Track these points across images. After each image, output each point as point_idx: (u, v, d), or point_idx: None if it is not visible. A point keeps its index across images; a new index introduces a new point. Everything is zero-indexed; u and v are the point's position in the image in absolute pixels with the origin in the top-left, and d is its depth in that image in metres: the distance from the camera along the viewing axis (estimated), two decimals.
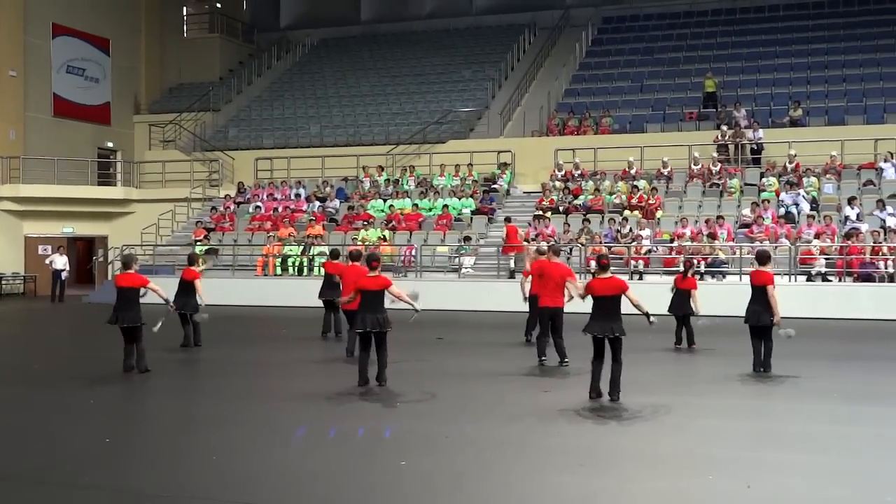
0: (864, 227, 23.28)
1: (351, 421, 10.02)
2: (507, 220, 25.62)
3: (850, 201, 24.41)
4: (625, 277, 21.18)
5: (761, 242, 23.50)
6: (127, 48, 37.75)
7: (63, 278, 29.26)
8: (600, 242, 24.63)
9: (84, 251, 35.43)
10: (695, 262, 18.30)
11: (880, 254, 22.33)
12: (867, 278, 22.13)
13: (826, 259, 22.65)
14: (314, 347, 16.70)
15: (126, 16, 37.67)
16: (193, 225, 30.13)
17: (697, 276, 16.62)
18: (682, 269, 16.64)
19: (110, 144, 36.85)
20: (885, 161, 26.30)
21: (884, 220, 23.54)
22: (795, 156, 26.93)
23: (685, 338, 15.67)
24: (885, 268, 22.12)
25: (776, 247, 22.63)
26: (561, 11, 39.75)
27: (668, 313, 15.59)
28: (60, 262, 29.43)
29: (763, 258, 13.05)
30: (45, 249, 31.27)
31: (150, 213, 31.62)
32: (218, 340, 17.06)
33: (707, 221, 24.31)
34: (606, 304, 10.64)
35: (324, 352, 16.24)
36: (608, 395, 10.66)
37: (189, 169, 33.59)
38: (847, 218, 24.01)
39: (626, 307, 10.71)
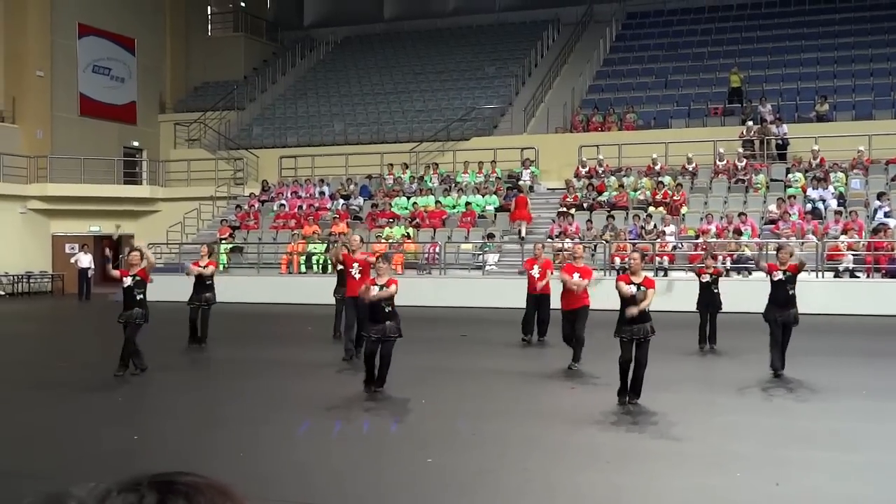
0: (892, 222, 23.05)
1: (376, 418, 10.04)
2: (519, 190, 26.73)
3: (879, 196, 24.17)
4: (649, 274, 21.13)
5: (787, 239, 23.35)
6: (152, 48, 37.98)
7: (89, 276, 29.51)
8: (624, 239, 24.54)
9: (112, 249, 35.67)
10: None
11: None
12: (895, 274, 21.91)
13: (853, 255, 22.46)
14: (338, 345, 16.69)
15: (151, 15, 37.89)
16: (218, 223, 30.27)
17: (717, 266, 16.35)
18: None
19: (136, 143, 37.10)
20: None
21: None
22: (819, 150, 26.71)
23: (708, 337, 15.31)
24: None
25: (803, 243, 22.45)
26: (585, 7, 39.59)
27: (695, 310, 15.48)
28: (86, 260, 29.67)
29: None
30: (72, 248, 31.55)
31: (176, 211, 31.82)
32: (243, 338, 17.15)
33: (735, 217, 24.16)
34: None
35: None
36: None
37: (214, 167, 33.78)
38: (875, 213, 23.79)
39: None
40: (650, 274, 11.30)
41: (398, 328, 11.09)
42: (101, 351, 15.89)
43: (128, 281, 12.64)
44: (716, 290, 15.36)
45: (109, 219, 33.33)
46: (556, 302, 14.41)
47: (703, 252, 16.14)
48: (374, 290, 11.09)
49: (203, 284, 15.87)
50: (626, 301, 10.46)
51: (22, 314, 25.25)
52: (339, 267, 15.38)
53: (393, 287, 11.18)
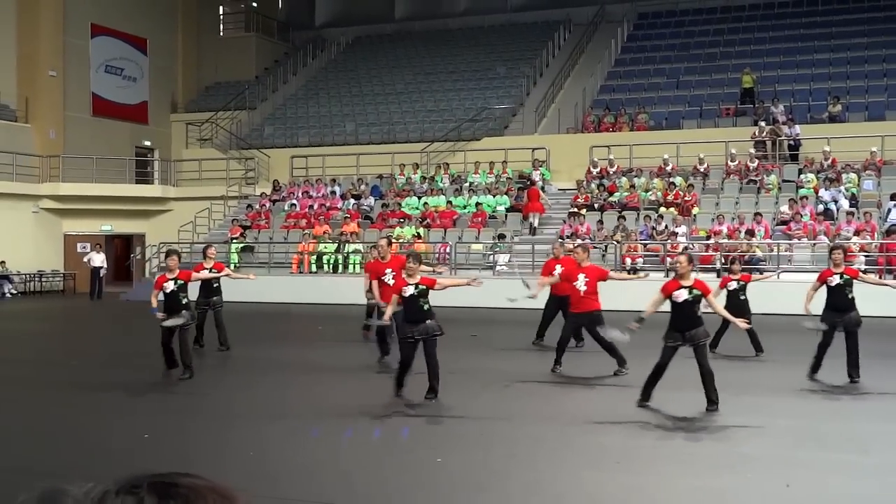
0: None
1: (386, 420, 10.04)
2: (531, 182, 27.81)
3: (892, 198, 24.05)
4: (660, 275, 21.10)
5: (799, 240, 23.28)
6: (164, 47, 38.10)
7: (101, 275, 29.62)
8: (636, 240, 24.50)
9: (122, 249, 35.84)
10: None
11: None
12: None
13: (866, 256, 22.36)
14: (350, 347, 16.71)
15: (163, 15, 38.02)
16: (230, 223, 30.35)
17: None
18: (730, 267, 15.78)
19: (148, 143, 37.22)
20: None
21: None
22: (830, 151, 26.61)
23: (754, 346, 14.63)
24: None
25: (814, 244, 22.36)
26: (596, 7, 39.53)
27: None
28: (98, 259, 29.79)
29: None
30: (84, 247, 31.67)
31: (188, 210, 31.91)
32: (254, 338, 17.17)
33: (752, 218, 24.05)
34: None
35: (358, 350, 16.23)
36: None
37: (225, 167, 33.85)
38: (888, 214, 23.68)
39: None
40: (696, 275, 10.70)
41: (439, 325, 10.70)
42: (112, 349, 15.96)
43: (170, 286, 12.49)
44: (743, 297, 14.70)
45: (121, 218, 33.47)
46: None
47: (727, 258, 15.46)
48: (410, 290, 10.66)
49: (210, 287, 15.40)
50: (678, 307, 10.05)
51: (34, 313, 25.36)
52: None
53: (442, 278, 11.07)
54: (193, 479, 1.19)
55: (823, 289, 12.18)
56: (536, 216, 26.98)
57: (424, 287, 10.67)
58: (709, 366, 10.04)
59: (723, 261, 23.16)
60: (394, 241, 26.11)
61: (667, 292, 10.17)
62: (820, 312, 12.14)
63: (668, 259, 23.57)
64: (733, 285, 14.81)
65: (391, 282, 13.11)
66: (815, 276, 12.98)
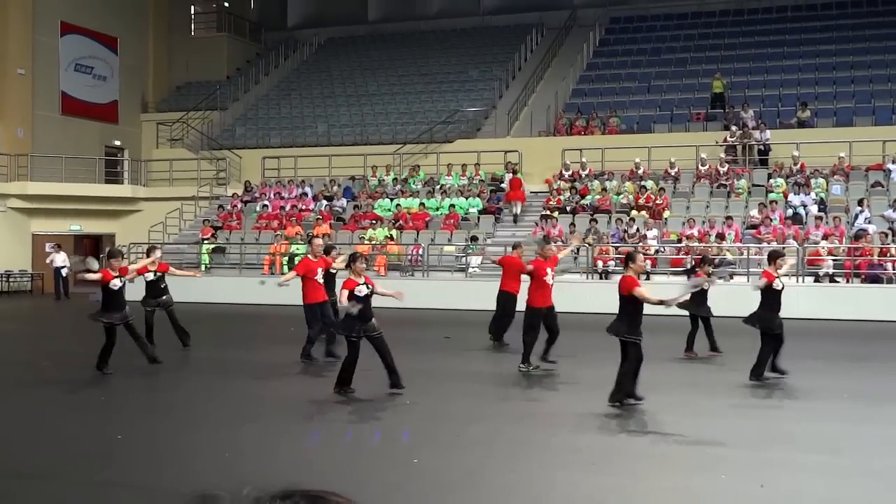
0: (871, 228, 23.24)
1: (362, 421, 10.03)
2: (514, 172, 28.68)
3: (859, 203, 24.36)
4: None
5: (769, 243, 23.49)
6: (135, 47, 37.81)
7: (64, 275, 29.27)
8: (607, 242, 24.64)
9: (91, 249, 35.50)
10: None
11: (888, 255, 22.30)
12: (875, 280, 22.10)
13: (834, 260, 22.63)
14: (322, 347, 16.63)
15: (134, 14, 37.71)
16: (201, 223, 30.17)
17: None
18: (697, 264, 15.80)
19: (118, 143, 36.89)
20: (893, 162, 26.25)
21: (893, 221, 23.49)
22: (800, 156, 26.91)
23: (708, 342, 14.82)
24: (893, 269, 22.09)
25: (784, 248, 22.57)
26: (568, 12, 39.72)
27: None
28: (59, 259, 29.45)
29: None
30: (53, 247, 31.35)
31: (158, 211, 31.68)
32: (226, 339, 17.08)
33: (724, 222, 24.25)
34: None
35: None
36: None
37: (196, 167, 33.63)
38: (855, 219, 23.97)
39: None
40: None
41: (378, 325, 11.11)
42: (79, 350, 15.80)
43: (150, 276, 13.79)
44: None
45: (91, 218, 33.16)
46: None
47: (697, 258, 15.60)
48: (364, 290, 10.96)
49: (157, 288, 15.48)
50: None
51: None
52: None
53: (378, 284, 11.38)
54: (340, 498, 1.29)
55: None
56: (518, 205, 27.66)
57: (371, 287, 11.14)
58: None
59: (693, 264, 23.32)
60: (366, 242, 26.14)
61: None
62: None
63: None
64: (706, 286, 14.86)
65: (321, 280, 14.00)
66: (784, 279, 13.12)
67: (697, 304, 14.57)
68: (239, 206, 30.93)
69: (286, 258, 26.89)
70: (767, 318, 12.15)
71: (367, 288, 11.04)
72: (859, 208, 24.15)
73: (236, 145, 35.08)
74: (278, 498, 1.20)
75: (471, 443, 8.77)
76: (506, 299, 16.13)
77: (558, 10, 39.80)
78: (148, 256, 15.79)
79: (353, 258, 11.34)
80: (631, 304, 10.19)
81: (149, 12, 38.74)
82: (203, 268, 27.69)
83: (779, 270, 12.33)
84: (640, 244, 24.10)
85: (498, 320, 16.37)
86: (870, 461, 8.09)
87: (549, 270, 13.08)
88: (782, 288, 12.22)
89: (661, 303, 10.24)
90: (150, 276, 15.39)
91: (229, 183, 33.68)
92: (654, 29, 37.74)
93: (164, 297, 15.58)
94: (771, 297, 12.17)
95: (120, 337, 12.88)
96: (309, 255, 14.78)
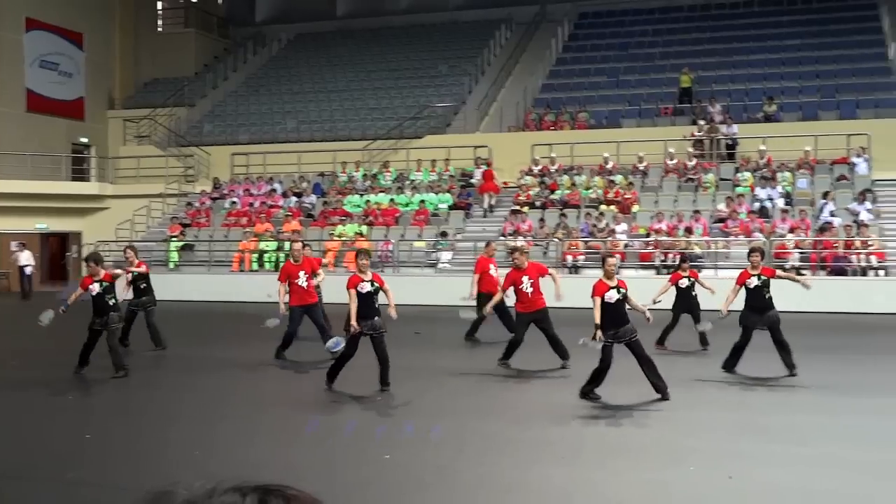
0: (837, 221, 23.52)
1: (334, 417, 10.02)
2: (488, 164, 28.70)
3: (824, 196, 24.63)
4: (599, 273, 21.20)
5: (736, 237, 23.71)
6: (101, 42, 37.42)
7: (28, 274, 28.92)
8: (576, 237, 24.75)
9: (57, 247, 35.13)
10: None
11: (853, 248, 22.58)
12: (840, 272, 22.38)
13: (800, 253, 22.87)
14: (295, 344, 16.57)
15: (100, 10, 37.32)
16: (169, 221, 29.95)
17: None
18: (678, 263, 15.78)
19: (84, 140, 36.49)
20: (858, 156, 26.56)
21: (858, 214, 23.78)
22: (767, 150, 27.16)
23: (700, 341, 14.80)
24: (858, 262, 22.38)
25: (750, 241, 22.76)
26: (537, 7, 39.77)
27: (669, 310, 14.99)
28: (24, 258, 29.11)
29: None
30: (18, 246, 30.97)
31: (125, 208, 31.39)
32: (195, 337, 16.98)
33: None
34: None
35: (302, 348, 16.13)
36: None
37: (164, 164, 33.35)
38: (821, 212, 24.23)
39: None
40: (600, 273, 11.13)
41: (383, 322, 11.12)
42: (48, 348, 15.66)
43: (96, 288, 12.78)
44: (694, 294, 14.90)
45: (57, 216, 32.80)
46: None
47: (675, 255, 15.61)
48: (367, 287, 10.95)
49: (137, 288, 15.41)
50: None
51: None
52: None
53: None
54: (297, 492, 1.27)
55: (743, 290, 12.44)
56: (493, 196, 27.84)
57: (378, 285, 11.06)
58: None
59: (662, 258, 23.52)
60: (335, 238, 26.07)
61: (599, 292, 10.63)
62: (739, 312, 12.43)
63: None
64: (684, 283, 14.98)
65: (304, 284, 14.02)
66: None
67: (680, 303, 14.87)
68: (207, 203, 30.74)
69: (255, 255, 26.79)
70: (744, 314, 12.27)
71: (372, 285, 10.97)
72: (824, 201, 24.42)
73: (204, 142, 34.81)
74: (230, 491, 1.20)
75: (442, 439, 8.79)
76: (482, 301, 15.99)
77: (527, 6, 39.83)
78: (126, 257, 15.86)
79: (357, 255, 11.40)
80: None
81: (115, 8, 38.34)
82: (171, 265, 27.53)
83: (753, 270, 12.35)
84: (609, 239, 24.26)
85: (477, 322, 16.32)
86: (838, 452, 8.19)
87: (525, 279, 13.06)
88: (755, 286, 12.20)
89: (595, 326, 10.41)
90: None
91: (198, 180, 33.44)
92: (622, 24, 37.88)
93: (144, 298, 15.44)
94: (748, 294, 12.28)
95: (76, 335, 12.80)
96: (290, 260, 14.87)
